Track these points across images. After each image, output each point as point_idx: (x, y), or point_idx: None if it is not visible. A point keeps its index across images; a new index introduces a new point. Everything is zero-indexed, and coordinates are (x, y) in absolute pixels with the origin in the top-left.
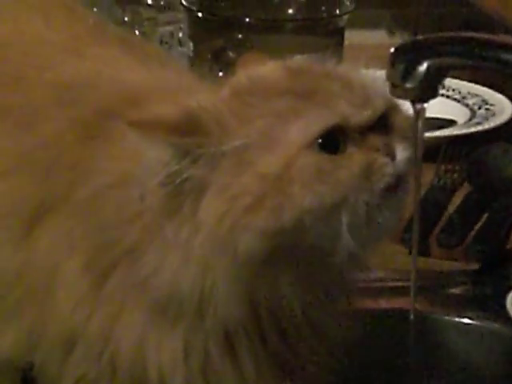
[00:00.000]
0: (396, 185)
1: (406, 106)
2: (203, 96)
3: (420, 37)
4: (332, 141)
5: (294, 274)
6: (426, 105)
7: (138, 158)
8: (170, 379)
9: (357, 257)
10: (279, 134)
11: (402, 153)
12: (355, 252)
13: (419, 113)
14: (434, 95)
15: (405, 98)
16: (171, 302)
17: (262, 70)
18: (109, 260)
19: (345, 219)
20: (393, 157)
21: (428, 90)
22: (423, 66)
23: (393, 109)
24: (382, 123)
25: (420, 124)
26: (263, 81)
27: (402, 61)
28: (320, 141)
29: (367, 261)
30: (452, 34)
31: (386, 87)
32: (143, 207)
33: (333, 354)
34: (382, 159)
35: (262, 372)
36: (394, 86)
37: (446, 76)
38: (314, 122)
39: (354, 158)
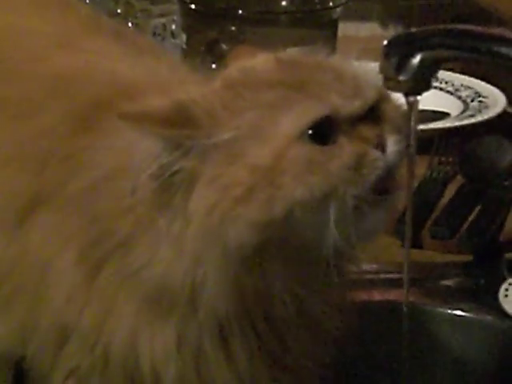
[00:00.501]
0: (387, 187)
1: (399, 98)
2: (194, 88)
3: (413, 29)
4: (322, 132)
5: (282, 267)
6: (419, 97)
7: (130, 151)
8: (163, 371)
9: (344, 251)
10: (270, 125)
11: (392, 145)
12: (341, 246)
13: (412, 105)
14: (427, 87)
15: (398, 90)
16: (163, 295)
17: (253, 62)
18: (102, 253)
19: (332, 212)
20: (383, 148)
21: (421, 82)
22: (416, 59)
23: (384, 99)
24: (374, 114)
25: (413, 116)
26: (254, 73)
27: (395, 53)
28: (310, 132)
29: (356, 255)
30: (445, 26)
31: (377, 78)
32: (135, 200)
33: (326, 346)
34: (374, 153)
35: (255, 365)
36: (387, 78)
37: (439, 68)
38: (305, 114)
39: (345, 148)
